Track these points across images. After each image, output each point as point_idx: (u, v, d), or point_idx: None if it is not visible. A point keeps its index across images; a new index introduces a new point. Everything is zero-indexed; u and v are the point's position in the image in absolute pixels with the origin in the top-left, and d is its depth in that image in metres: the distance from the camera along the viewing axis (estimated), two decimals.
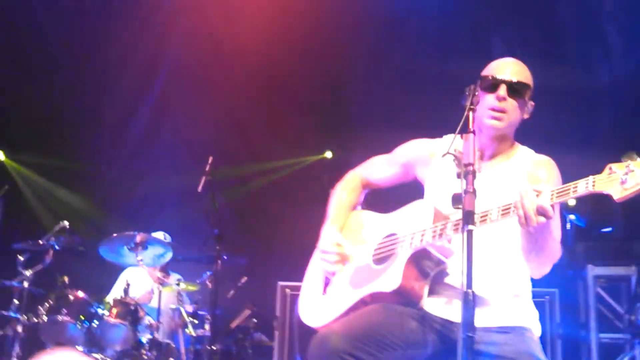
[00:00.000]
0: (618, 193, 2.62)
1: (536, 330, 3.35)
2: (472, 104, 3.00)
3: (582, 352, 7.49)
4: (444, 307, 3.28)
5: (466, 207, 2.67)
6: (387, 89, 8.32)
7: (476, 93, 3.07)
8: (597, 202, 7.37)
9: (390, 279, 3.25)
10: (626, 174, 2.61)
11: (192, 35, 8.44)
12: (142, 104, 9.03)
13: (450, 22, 7.79)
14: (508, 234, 3.23)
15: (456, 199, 2.72)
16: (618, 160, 2.67)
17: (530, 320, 3.33)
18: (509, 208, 2.88)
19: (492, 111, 3.29)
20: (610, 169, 2.66)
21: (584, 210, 7.32)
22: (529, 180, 3.28)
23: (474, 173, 2.75)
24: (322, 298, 3.59)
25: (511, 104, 3.30)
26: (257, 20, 8.21)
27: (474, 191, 2.71)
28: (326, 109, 9.00)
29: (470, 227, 2.65)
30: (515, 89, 3.30)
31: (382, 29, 8.29)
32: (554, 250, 3.06)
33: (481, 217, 2.94)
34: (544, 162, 3.40)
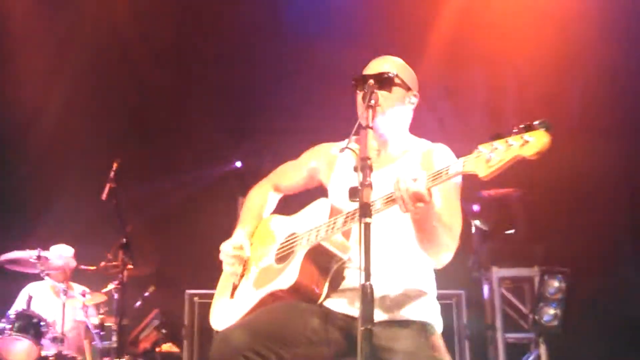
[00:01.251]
0: (483, 171, 2.68)
1: (438, 325, 3.38)
2: (369, 100, 3.05)
3: (489, 352, 7.64)
4: (345, 304, 3.29)
5: (363, 200, 2.68)
6: (294, 93, 8.34)
7: (374, 90, 3.14)
8: (500, 206, 7.56)
9: (287, 276, 3.26)
10: (491, 152, 2.66)
11: (96, 36, 8.29)
12: (47, 106, 8.78)
13: (358, 20, 7.87)
14: (406, 229, 3.27)
15: (353, 192, 2.73)
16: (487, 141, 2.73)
17: (432, 315, 3.36)
18: (392, 196, 2.92)
19: None
20: (478, 149, 2.72)
21: (487, 214, 7.46)
22: (423, 169, 3.34)
23: (370, 167, 2.77)
24: (229, 302, 3.59)
25: (381, 95, 3.34)
26: (167, 22, 8.16)
27: (370, 184, 2.73)
28: (235, 117, 8.97)
29: (367, 219, 2.65)
30: (381, 81, 3.37)
31: (288, 29, 8.31)
32: (447, 238, 3.12)
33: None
34: (436, 149, 3.47)
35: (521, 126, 2.63)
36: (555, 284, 7.13)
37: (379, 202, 2.98)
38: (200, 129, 8.86)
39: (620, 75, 7.68)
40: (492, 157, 2.66)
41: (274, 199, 3.93)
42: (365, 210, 2.67)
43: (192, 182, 8.98)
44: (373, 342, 2.63)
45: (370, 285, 2.62)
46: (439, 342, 3.31)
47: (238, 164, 9.26)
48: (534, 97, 7.83)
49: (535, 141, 2.58)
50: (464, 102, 8.31)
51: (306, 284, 3.23)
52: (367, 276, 2.63)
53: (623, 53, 7.58)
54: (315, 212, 3.39)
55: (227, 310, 3.56)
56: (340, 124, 3.58)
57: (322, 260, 3.27)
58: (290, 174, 3.85)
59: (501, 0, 7.95)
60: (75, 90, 8.58)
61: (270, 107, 8.70)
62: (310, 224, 3.33)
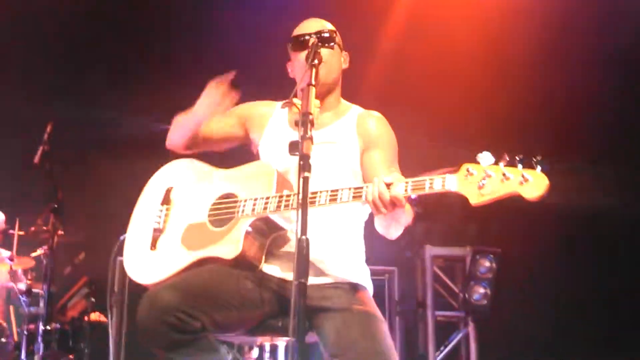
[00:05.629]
0: (475, 198, 2.57)
1: (369, 287, 3.38)
2: (313, 58, 3.03)
3: (419, 330, 7.71)
4: (280, 269, 3.27)
5: (303, 152, 2.66)
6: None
7: (317, 50, 3.11)
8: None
9: (229, 246, 3.16)
10: (484, 178, 2.55)
11: None
12: None
13: None
14: None
15: (293, 146, 2.71)
16: (473, 159, 2.59)
17: (362, 277, 3.37)
18: (360, 191, 2.86)
19: None
20: (468, 170, 2.60)
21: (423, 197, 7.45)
22: (359, 135, 3.38)
23: (311, 121, 2.75)
24: (152, 253, 3.40)
25: (325, 52, 3.32)
26: None
27: (311, 138, 2.71)
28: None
29: (306, 174, 2.63)
30: (324, 39, 3.39)
31: None
32: (406, 222, 3.11)
33: (331, 196, 2.93)
34: (374, 116, 3.48)
35: (517, 158, 2.52)
36: (486, 263, 7.26)
37: (345, 193, 2.91)
38: (143, 94, 8.64)
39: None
40: (484, 184, 2.55)
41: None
42: (305, 162, 2.64)
43: (125, 147, 8.76)
44: (306, 303, 2.60)
45: (307, 240, 2.60)
46: (369, 297, 3.32)
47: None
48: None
49: (536, 183, 2.50)
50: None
51: (247, 255, 3.16)
52: (304, 231, 2.61)
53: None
54: (258, 177, 3.26)
55: (150, 263, 3.37)
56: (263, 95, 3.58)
57: (265, 231, 3.20)
58: (216, 119, 3.60)
59: None
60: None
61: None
62: (253, 190, 3.21)
